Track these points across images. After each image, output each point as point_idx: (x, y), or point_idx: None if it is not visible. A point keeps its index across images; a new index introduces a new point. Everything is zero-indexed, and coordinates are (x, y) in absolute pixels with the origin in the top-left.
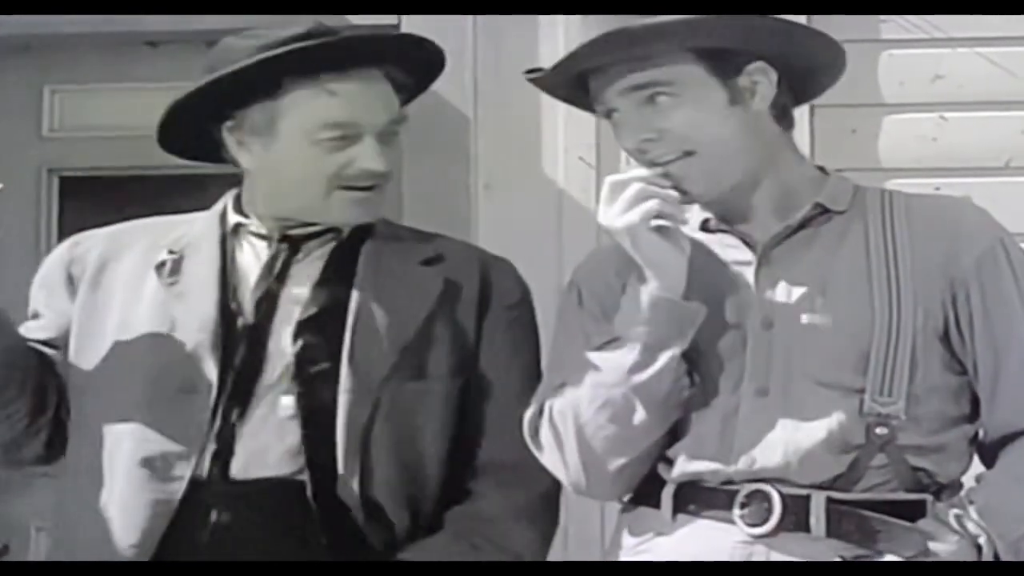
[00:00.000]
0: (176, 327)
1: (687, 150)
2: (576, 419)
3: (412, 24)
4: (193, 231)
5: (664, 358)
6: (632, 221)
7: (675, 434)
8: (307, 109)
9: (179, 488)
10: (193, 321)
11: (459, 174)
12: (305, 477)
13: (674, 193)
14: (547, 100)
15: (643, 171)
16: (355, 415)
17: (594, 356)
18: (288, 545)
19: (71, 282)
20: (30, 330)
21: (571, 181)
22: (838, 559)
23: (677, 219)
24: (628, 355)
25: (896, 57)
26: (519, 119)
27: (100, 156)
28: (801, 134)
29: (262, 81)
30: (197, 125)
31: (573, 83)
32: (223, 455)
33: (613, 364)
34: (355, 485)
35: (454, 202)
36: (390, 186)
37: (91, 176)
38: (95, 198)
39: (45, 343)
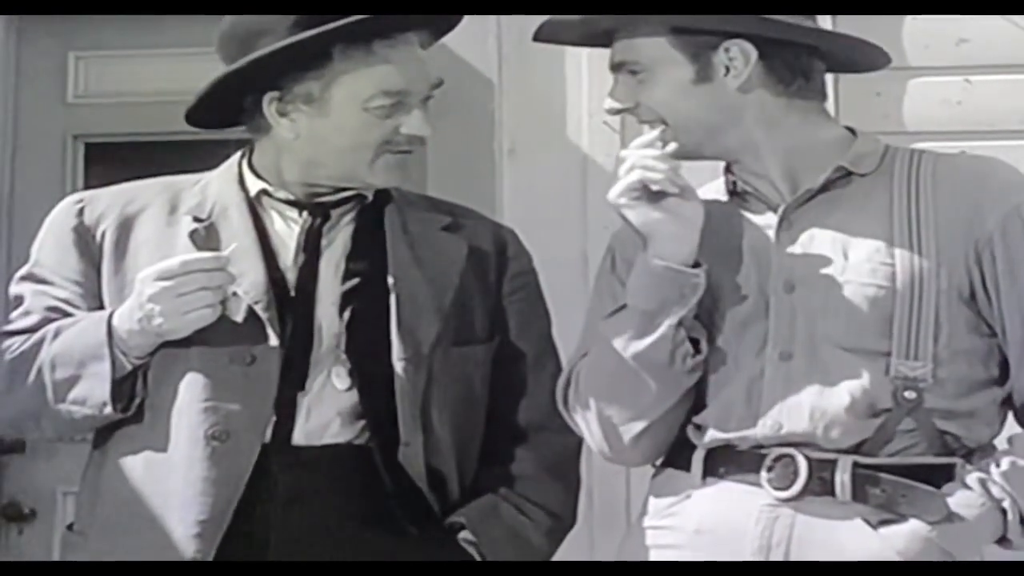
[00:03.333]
0: (224, 297)
1: (661, 119)
2: (590, 386)
3: None
4: (211, 196)
5: (663, 325)
6: (617, 194)
7: (701, 399)
8: (364, 77)
9: (249, 462)
10: (244, 291)
11: (483, 139)
12: (368, 443)
13: (665, 164)
14: (571, 65)
15: (648, 137)
16: (412, 383)
17: (603, 323)
18: (351, 510)
19: (86, 250)
20: (41, 295)
21: (595, 146)
22: (862, 522)
23: (667, 188)
24: (630, 322)
25: (920, 20)
26: (543, 84)
27: (125, 122)
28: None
29: (314, 53)
30: (232, 98)
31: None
32: (285, 424)
33: (617, 331)
34: (419, 452)
35: (478, 167)
36: (417, 151)
37: (116, 142)
38: (120, 164)
39: (64, 310)
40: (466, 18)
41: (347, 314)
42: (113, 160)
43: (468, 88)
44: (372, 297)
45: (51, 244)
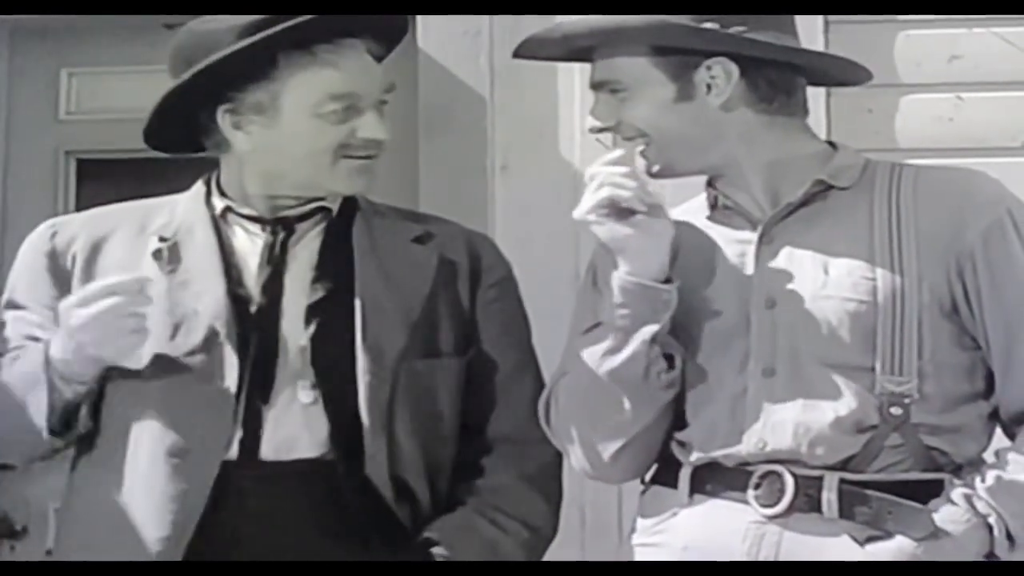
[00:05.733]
0: (184, 316)
1: (643, 136)
2: (569, 405)
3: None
4: (179, 216)
5: (636, 342)
6: (585, 211)
7: (682, 417)
8: (309, 83)
9: (209, 477)
10: (203, 309)
11: (476, 155)
12: (333, 457)
13: (634, 181)
14: (564, 81)
15: (616, 154)
16: (376, 396)
17: (579, 341)
18: (320, 525)
19: (59, 274)
20: (18, 321)
21: (588, 163)
22: (849, 539)
23: (636, 205)
24: (603, 339)
25: (912, 37)
26: (536, 100)
27: (117, 138)
28: (817, 114)
29: (259, 60)
30: (188, 116)
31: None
32: (250, 440)
33: (592, 348)
34: (383, 464)
35: (471, 183)
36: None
37: (108, 158)
38: (112, 180)
39: (38, 336)
40: (458, 32)
41: (312, 328)
42: (105, 176)
43: (460, 105)
44: (338, 311)
45: (25, 270)
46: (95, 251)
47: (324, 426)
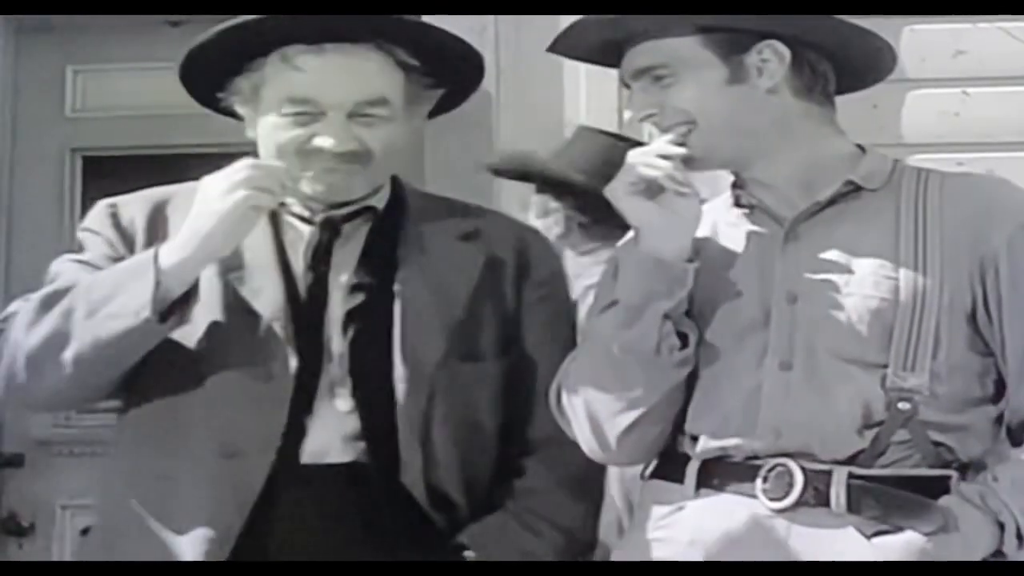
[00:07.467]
0: (242, 311)
1: (688, 120)
2: (579, 381)
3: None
4: None
5: (649, 315)
6: (614, 187)
7: (697, 409)
8: (277, 81)
9: (258, 481)
10: (262, 307)
11: (481, 151)
12: (369, 463)
13: (663, 162)
14: (569, 77)
15: (657, 144)
16: (413, 403)
17: (594, 319)
18: (356, 530)
19: (122, 233)
20: (77, 262)
21: None
22: (857, 533)
23: (666, 183)
24: (618, 315)
25: (918, 32)
26: (541, 96)
27: (123, 135)
28: None
29: (251, 52)
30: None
31: (597, 51)
32: (294, 443)
33: (605, 323)
34: (419, 472)
35: (476, 179)
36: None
37: (114, 155)
38: (118, 177)
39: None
40: (463, 29)
41: (350, 333)
42: (111, 173)
43: (466, 102)
44: (377, 315)
45: (87, 236)
46: (159, 212)
47: (359, 433)
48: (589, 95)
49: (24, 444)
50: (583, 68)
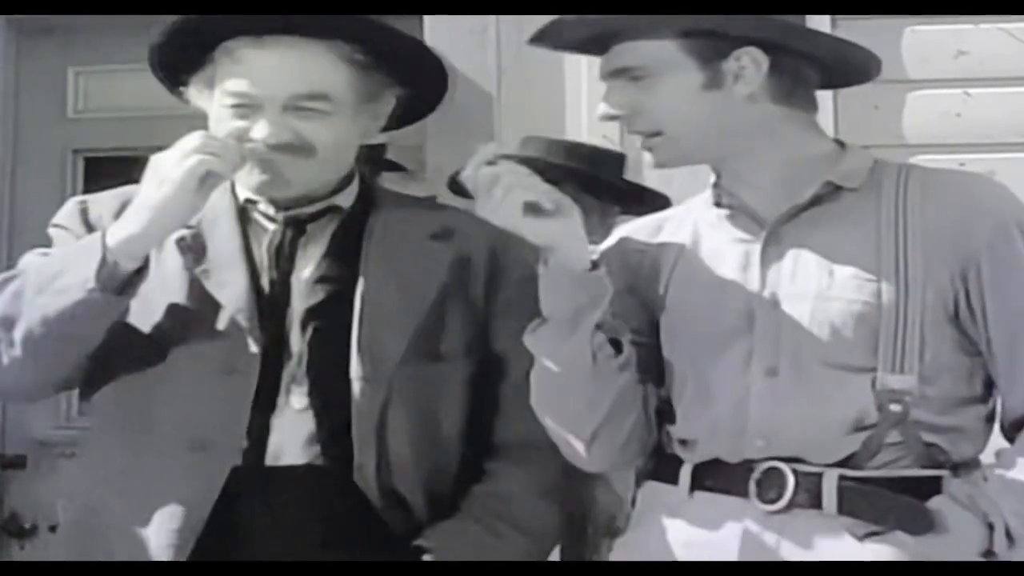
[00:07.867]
0: (207, 305)
1: (655, 131)
2: (538, 400)
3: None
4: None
5: (582, 329)
6: (505, 214)
7: (678, 412)
8: (221, 75)
9: (224, 472)
10: (227, 301)
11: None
12: (324, 464)
13: (540, 185)
14: (571, 79)
15: (487, 150)
16: (368, 402)
17: (528, 338)
18: (314, 531)
19: (90, 228)
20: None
21: None
22: (849, 535)
23: (547, 205)
24: (549, 333)
25: (919, 33)
26: (542, 97)
27: (124, 136)
28: (824, 111)
29: (203, 43)
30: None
31: (578, 46)
32: (259, 441)
33: (541, 344)
34: (372, 473)
35: None
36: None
37: (116, 156)
38: (119, 178)
39: None
40: (465, 30)
41: (309, 331)
42: (113, 174)
43: (467, 102)
44: (337, 313)
45: (57, 231)
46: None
47: (315, 433)
48: (590, 95)
49: (26, 446)
50: (584, 69)
